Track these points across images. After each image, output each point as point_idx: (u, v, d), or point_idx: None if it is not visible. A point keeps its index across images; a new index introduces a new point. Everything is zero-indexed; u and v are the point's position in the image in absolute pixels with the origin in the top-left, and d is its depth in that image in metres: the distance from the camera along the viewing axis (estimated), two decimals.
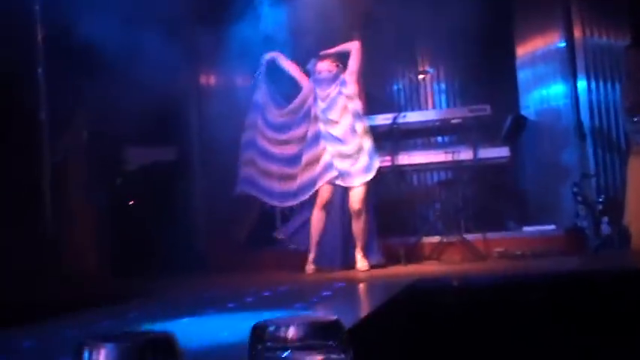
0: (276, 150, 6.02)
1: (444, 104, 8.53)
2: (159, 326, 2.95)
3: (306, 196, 5.89)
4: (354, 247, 5.76)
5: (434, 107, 8.47)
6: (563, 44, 7.29)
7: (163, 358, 1.27)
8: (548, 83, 7.58)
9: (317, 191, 5.83)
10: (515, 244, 6.28)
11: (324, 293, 3.93)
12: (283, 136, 6.02)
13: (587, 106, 6.96)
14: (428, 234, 6.49)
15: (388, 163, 6.52)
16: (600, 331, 3.88)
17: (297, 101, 6.01)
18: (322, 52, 5.94)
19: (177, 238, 6.12)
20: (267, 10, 6.17)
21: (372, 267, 5.71)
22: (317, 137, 5.85)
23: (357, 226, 5.71)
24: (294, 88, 6.15)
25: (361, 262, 5.69)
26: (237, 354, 1.96)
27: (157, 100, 6.22)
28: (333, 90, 5.80)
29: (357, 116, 5.75)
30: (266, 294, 4.10)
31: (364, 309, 3.20)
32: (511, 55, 8.04)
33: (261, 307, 3.52)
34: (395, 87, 8.61)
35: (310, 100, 5.92)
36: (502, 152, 6.95)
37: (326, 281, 4.95)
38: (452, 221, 6.56)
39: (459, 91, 8.55)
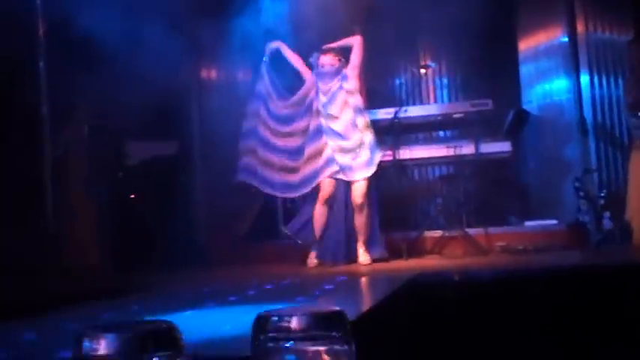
0: (278, 141, 6.01)
1: (445, 99, 8.52)
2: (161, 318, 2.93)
3: (308, 189, 5.89)
4: (356, 242, 5.76)
5: (436, 101, 8.45)
6: (565, 39, 7.28)
7: (165, 348, 1.26)
8: (550, 78, 7.57)
9: (319, 186, 5.83)
10: (517, 238, 6.27)
11: (326, 287, 3.93)
12: (286, 129, 6.01)
13: (590, 101, 6.95)
14: (430, 228, 6.49)
15: (390, 158, 6.51)
16: (602, 326, 3.88)
17: (299, 94, 6.00)
18: (325, 46, 5.93)
19: (179, 232, 6.12)
20: (268, 3, 6.15)
21: (375, 261, 5.71)
22: (319, 131, 5.85)
23: (360, 220, 5.70)
24: (297, 78, 6.14)
25: (363, 256, 5.69)
26: (239, 346, 1.95)
27: (158, 94, 6.20)
28: (334, 84, 5.80)
29: (357, 111, 5.75)
30: (268, 287, 4.10)
31: (366, 303, 3.20)
32: (513, 50, 8.03)
33: (262, 300, 3.52)
34: (397, 81, 8.60)
35: (312, 94, 5.92)
36: (504, 147, 6.93)
37: (328, 275, 4.94)
38: (454, 216, 6.55)
39: (460, 85, 8.54)
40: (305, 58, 6.04)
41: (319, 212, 5.83)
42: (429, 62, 8.37)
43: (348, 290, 4.16)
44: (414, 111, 7.26)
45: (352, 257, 5.75)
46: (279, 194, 6.17)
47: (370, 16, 7.24)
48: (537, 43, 7.78)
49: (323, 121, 5.83)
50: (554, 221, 6.62)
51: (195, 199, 6.92)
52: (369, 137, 5.72)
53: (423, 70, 8.27)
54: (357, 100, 5.77)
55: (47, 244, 4.98)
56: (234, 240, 6.73)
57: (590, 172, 6.65)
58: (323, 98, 5.84)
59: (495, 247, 6.21)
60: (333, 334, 1.31)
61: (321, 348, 1.29)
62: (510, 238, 6.31)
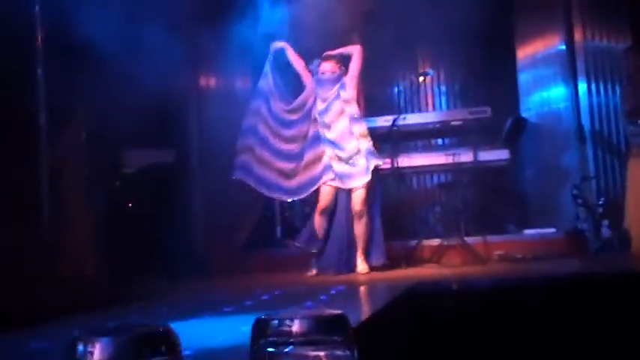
0: (277, 144, 5.98)
1: (444, 106, 8.51)
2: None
3: (306, 194, 5.89)
4: (356, 250, 5.74)
5: (434, 109, 8.45)
6: (563, 47, 7.28)
7: (162, 353, 1.22)
8: (548, 86, 7.57)
9: (318, 196, 5.82)
10: (516, 247, 6.26)
11: (322, 297, 3.91)
12: (287, 133, 5.98)
13: (588, 108, 6.95)
14: (428, 237, 6.46)
15: (388, 166, 6.50)
16: (601, 334, 3.87)
17: (299, 100, 5.98)
18: (325, 53, 5.92)
19: (176, 241, 6.10)
20: (267, 10, 6.14)
21: (373, 269, 5.69)
22: (317, 138, 5.85)
23: (359, 228, 5.69)
24: (299, 80, 6.11)
25: (362, 265, 5.67)
26: (238, 355, 1.94)
27: (156, 103, 6.20)
28: (333, 92, 5.79)
29: (354, 120, 5.74)
30: (264, 298, 4.07)
31: (364, 312, 3.18)
32: (512, 58, 8.03)
33: (258, 310, 3.50)
34: (395, 89, 8.59)
35: (311, 100, 5.91)
36: (502, 155, 6.93)
37: (326, 284, 4.93)
38: (452, 224, 6.53)
39: (459, 93, 8.53)
40: (306, 64, 6.03)
41: (318, 222, 5.82)
42: (427, 70, 8.34)
43: (346, 300, 4.14)
44: (412, 119, 7.26)
45: (354, 266, 5.73)
46: (275, 196, 6.14)
47: (369, 22, 7.25)
48: (535, 50, 7.78)
49: (320, 129, 5.83)
50: (553, 229, 6.61)
51: (193, 207, 6.90)
52: (365, 145, 5.71)
53: (421, 78, 8.23)
54: (354, 109, 5.76)
55: (43, 252, 4.96)
56: (232, 249, 6.71)
57: (589, 180, 6.64)
58: (320, 105, 5.83)
59: (494, 255, 6.19)
60: (335, 338, 1.28)
61: (323, 353, 1.25)
62: (509, 246, 6.29)
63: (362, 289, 4.83)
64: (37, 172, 5.19)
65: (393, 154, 6.51)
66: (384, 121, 6.79)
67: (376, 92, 8.00)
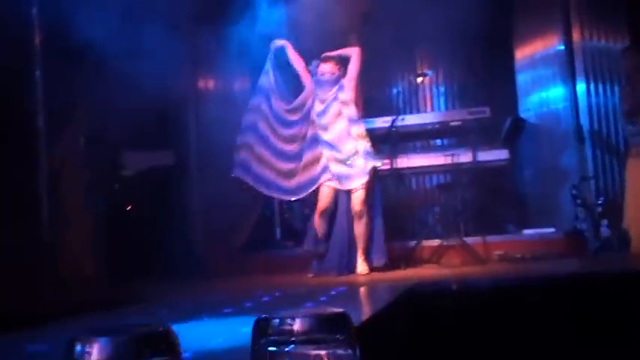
0: (277, 143, 5.96)
1: (443, 107, 8.51)
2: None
3: (304, 194, 5.89)
4: (357, 251, 5.74)
5: (433, 110, 8.45)
6: (562, 47, 7.28)
7: (161, 353, 1.20)
8: (547, 86, 7.57)
9: (317, 197, 5.82)
10: (515, 247, 6.25)
11: (322, 298, 3.91)
12: (286, 133, 5.97)
13: (587, 109, 6.95)
14: (427, 237, 6.46)
15: (387, 167, 6.50)
16: (600, 334, 3.87)
17: (299, 100, 5.96)
18: (324, 54, 5.92)
19: (175, 243, 6.09)
20: (265, 11, 6.13)
21: (373, 270, 5.68)
22: (315, 139, 5.84)
23: (359, 229, 5.68)
24: (300, 79, 6.09)
25: (362, 266, 5.67)
26: (239, 356, 1.93)
27: (155, 104, 6.20)
28: (331, 94, 5.79)
29: (352, 121, 5.73)
30: (264, 299, 4.07)
31: (364, 313, 3.18)
32: (510, 58, 8.04)
33: (258, 311, 3.48)
34: (394, 89, 8.59)
35: (310, 101, 5.90)
36: (501, 155, 6.94)
37: (326, 285, 4.92)
38: (451, 224, 6.53)
39: (458, 93, 8.54)
40: (305, 64, 6.01)
41: (318, 224, 5.81)
42: (426, 70, 8.36)
43: (346, 301, 4.13)
44: (411, 119, 7.26)
45: (355, 267, 5.72)
46: (274, 195, 6.14)
47: (367, 23, 7.25)
48: (534, 51, 7.79)
49: (317, 130, 5.83)
50: (552, 229, 6.60)
51: (192, 209, 6.90)
52: (363, 145, 5.70)
53: (420, 79, 8.25)
54: (352, 110, 5.75)
55: (43, 254, 4.96)
56: (231, 251, 6.70)
57: (588, 180, 6.64)
58: (318, 107, 5.83)
59: (493, 255, 6.19)
60: (337, 337, 1.26)
61: (324, 352, 1.24)
62: (508, 246, 6.29)
63: (362, 290, 4.83)
64: (36, 174, 5.20)
65: (392, 155, 6.51)
66: (382, 122, 6.79)
67: (375, 93, 8.00)
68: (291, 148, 5.94)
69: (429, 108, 8.52)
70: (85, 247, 5.58)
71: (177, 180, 6.75)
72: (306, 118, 5.91)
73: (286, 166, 5.90)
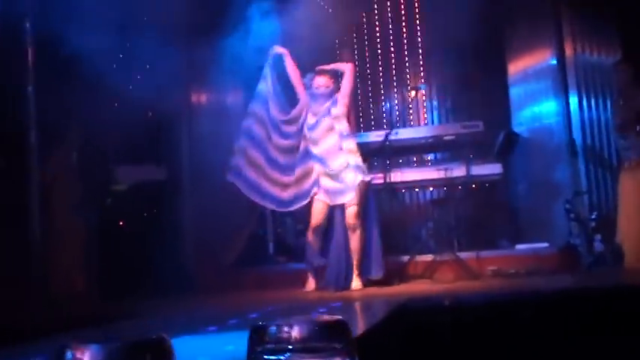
0: (273, 152, 5.93)
1: (436, 121, 8.52)
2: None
3: (296, 207, 5.89)
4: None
5: (426, 124, 8.45)
6: (554, 61, 7.31)
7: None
8: (540, 100, 7.59)
9: (310, 213, 5.80)
10: (509, 262, 6.24)
11: (313, 315, 3.88)
12: (283, 143, 5.94)
13: (579, 123, 6.97)
14: (421, 252, 6.44)
15: (381, 181, 6.49)
16: (594, 349, 3.85)
17: (295, 112, 5.94)
18: (319, 68, 5.92)
19: (167, 258, 6.06)
20: (258, 25, 6.13)
21: (369, 284, 5.66)
22: (307, 153, 5.84)
23: (354, 242, 5.66)
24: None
25: (355, 282, 5.65)
26: None
27: (148, 119, 6.20)
28: (325, 108, 5.79)
29: (343, 136, 5.72)
30: (252, 316, 4.03)
31: (357, 329, 3.15)
32: (503, 72, 8.06)
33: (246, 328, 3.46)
34: (387, 103, 8.60)
35: (305, 114, 5.88)
36: (495, 169, 6.94)
37: (318, 301, 4.90)
38: (445, 239, 6.52)
39: (451, 107, 8.55)
40: (299, 76, 5.99)
41: (312, 240, 5.80)
42: (419, 84, 8.38)
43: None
44: (404, 133, 7.25)
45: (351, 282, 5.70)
46: (268, 206, 6.09)
47: (360, 38, 7.27)
48: (526, 65, 7.81)
49: (308, 144, 5.82)
50: (546, 244, 6.59)
51: (184, 224, 6.86)
52: (353, 160, 5.68)
53: (413, 93, 8.27)
54: (344, 125, 5.74)
55: (34, 269, 4.93)
56: (223, 266, 6.66)
57: (581, 195, 6.64)
58: (311, 119, 5.82)
59: (486, 271, 6.16)
60: (335, 345, 1.23)
61: None
62: (501, 261, 6.27)
63: (355, 305, 4.80)
64: (27, 189, 5.17)
65: (386, 170, 6.50)
66: (376, 136, 6.79)
67: (368, 107, 8.02)
68: (285, 159, 5.92)
69: (422, 122, 8.52)
70: (77, 262, 5.54)
71: (169, 195, 6.72)
72: (301, 131, 5.91)
73: (280, 177, 5.89)
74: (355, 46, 7.86)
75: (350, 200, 5.64)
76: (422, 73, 8.56)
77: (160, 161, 6.77)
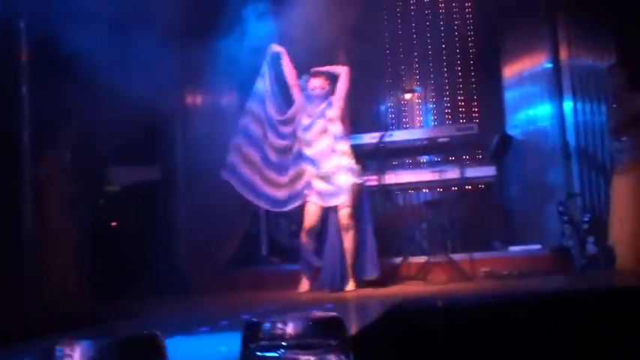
0: (267, 150, 5.92)
1: (431, 123, 8.54)
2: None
3: (290, 207, 5.90)
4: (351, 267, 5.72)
5: (421, 126, 8.47)
6: (549, 65, 7.34)
7: (147, 358, 1.15)
8: (534, 104, 7.61)
9: (304, 215, 5.81)
10: (502, 263, 6.26)
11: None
12: (277, 143, 5.94)
13: (573, 126, 6.99)
14: (414, 254, 6.45)
15: (375, 183, 6.49)
16: (586, 350, 3.86)
17: (290, 113, 5.94)
18: (314, 69, 5.92)
19: (160, 259, 6.05)
20: (253, 26, 6.13)
21: (362, 285, 5.66)
22: (300, 154, 5.84)
23: (347, 242, 5.67)
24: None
25: (349, 283, 5.65)
26: None
27: (143, 120, 6.18)
28: (320, 109, 5.79)
29: (337, 138, 5.72)
30: (244, 317, 4.03)
31: (349, 330, 3.15)
32: (498, 75, 8.08)
33: (236, 329, 3.46)
34: (382, 105, 8.61)
35: (300, 115, 5.88)
36: (489, 171, 6.96)
37: (310, 302, 4.90)
38: (438, 241, 6.53)
39: (446, 110, 8.56)
40: (296, 77, 5.99)
41: (306, 242, 5.80)
42: (414, 87, 8.39)
43: None
44: (399, 135, 7.27)
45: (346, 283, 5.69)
46: (262, 205, 6.07)
47: (356, 39, 7.27)
48: (521, 69, 7.83)
49: (301, 145, 5.82)
50: (539, 246, 6.61)
51: (178, 225, 6.85)
52: (346, 162, 5.68)
53: (408, 95, 8.29)
54: (338, 128, 5.75)
55: (26, 270, 4.92)
56: (216, 267, 6.66)
57: (574, 197, 6.66)
58: (305, 120, 5.82)
59: (480, 272, 6.18)
60: (331, 342, 1.22)
61: (313, 358, 1.20)
62: (494, 263, 6.29)
63: (348, 306, 4.80)
64: (20, 189, 5.15)
65: (380, 171, 6.51)
66: (371, 138, 6.80)
67: (363, 109, 8.02)
68: (280, 159, 5.92)
69: (417, 124, 8.53)
70: (69, 262, 5.53)
71: (163, 195, 6.71)
72: (296, 132, 5.91)
73: (274, 176, 5.89)
74: (350, 48, 7.85)
75: (343, 202, 5.65)
76: (417, 76, 8.57)
77: (155, 162, 6.77)
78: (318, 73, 5.89)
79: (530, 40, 7.62)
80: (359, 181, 5.70)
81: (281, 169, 5.90)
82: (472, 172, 6.93)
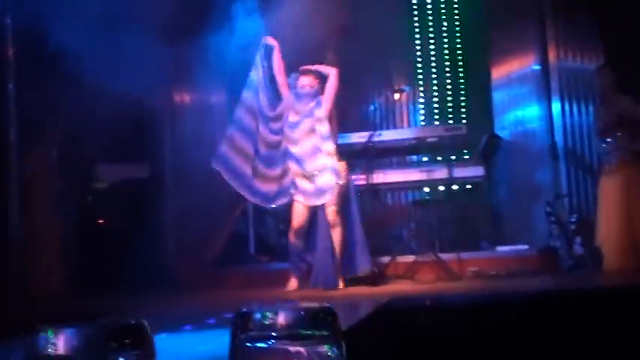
0: (259, 143, 5.88)
1: (419, 123, 8.54)
2: None
3: (279, 203, 5.88)
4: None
5: (410, 126, 8.47)
6: (538, 67, 7.36)
7: (132, 347, 1.12)
8: (523, 105, 7.64)
9: (291, 214, 5.79)
10: (489, 263, 6.27)
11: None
12: (269, 138, 5.91)
13: (561, 127, 7.02)
14: (402, 253, 6.45)
15: (363, 182, 6.49)
16: (573, 350, 3.87)
17: (278, 110, 5.91)
18: (303, 67, 5.89)
19: (147, 257, 6.02)
20: (242, 25, 6.11)
21: (350, 283, 5.66)
22: (286, 152, 5.82)
23: (335, 238, 5.66)
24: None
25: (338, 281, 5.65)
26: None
27: (131, 117, 6.15)
28: (308, 108, 5.76)
29: (324, 138, 5.69)
30: (227, 316, 4.02)
31: None
32: (487, 76, 8.10)
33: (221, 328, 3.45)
34: (371, 105, 8.60)
35: (287, 113, 5.85)
36: (477, 172, 6.97)
37: (299, 300, 4.87)
38: (426, 241, 6.53)
39: (434, 110, 8.57)
40: (284, 73, 5.97)
41: (294, 242, 5.79)
42: (403, 86, 8.39)
43: None
44: (388, 135, 7.27)
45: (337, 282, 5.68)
46: (252, 200, 6.00)
47: (345, 38, 7.27)
48: (510, 70, 7.86)
49: (287, 143, 5.80)
50: (526, 246, 6.64)
51: (166, 223, 6.82)
52: (331, 162, 5.66)
53: (397, 95, 8.29)
54: (325, 127, 5.71)
55: (12, 267, 4.89)
56: (204, 265, 6.63)
57: (562, 198, 6.69)
58: (293, 118, 5.78)
59: (468, 272, 6.19)
60: (322, 332, 1.20)
61: (303, 348, 1.18)
62: (482, 263, 6.30)
63: (335, 305, 4.77)
64: (7, 186, 5.12)
65: (369, 171, 6.51)
66: (359, 138, 6.80)
67: (352, 108, 8.01)
68: (269, 153, 5.89)
69: (405, 124, 8.53)
70: (56, 259, 5.50)
71: (151, 193, 6.67)
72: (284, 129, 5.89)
73: (264, 170, 5.86)
74: (339, 47, 7.84)
75: (328, 202, 5.64)
76: (405, 76, 8.57)
77: (143, 159, 6.74)
78: (308, 72, 5.86)
79: (518, 42, 7.65)
80: (341, 182, 5.68)
81: (270, 163, 5.87)
82: (460, 172, 6.94)
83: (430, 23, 8.55)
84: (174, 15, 6.04)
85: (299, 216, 5.75)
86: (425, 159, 8.06)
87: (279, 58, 5.88)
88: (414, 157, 8.15)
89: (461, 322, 4.07)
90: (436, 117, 8.47)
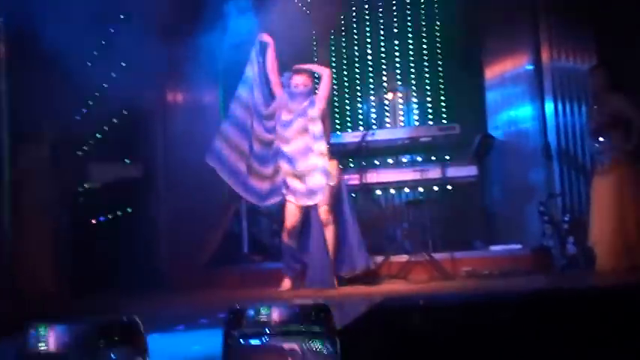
0: (253, 140, 5.86)
1: (413, 123, 8.54)
2: None
3: (272, 201, 5.88)
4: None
5: (403, 125, 8.47)
6: (531, 67, 7.37)
7: (123, 344, 1.11)
8: (516, 105, 7.65)
9: (284, 214, 5.78)
10: (483, 263, 6.28)
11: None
12: (263, 136, 5.89)
13: (555, 127, 7.02)
14: (396, 253, 6.45)
15: (357, 182, 6.48)
16: (565, 349, 3.87)
17: (270, 109, 5.89)
18: (296, 66, 5.87)
19: (140, 257, 6.00)
20: (235, 24, 6.09)
21: (343, 283, 5.66)
22: (278, 150, 5.81)
23: (328, 237, 5.65)
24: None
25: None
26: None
27: (123, 117, 6.14)
28: (302, 107, 5.75)
29: (316, 138, 5.67)
30: (222, 315, 4.01)
31: None
32: (480, 76, 8.10)
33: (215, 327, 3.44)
34: (364, 104, 8.60)
35: (279, 112, 5.84)
36: (470, 171, 6.98)
37: (292, 300, 4.86)
38: (419, 240, 6.53)
39: (428, 110, 8.58)
40: (277, 72, 5.95)
41: (287, 242, 5.78)
42: (396, 86, 8.40)
43: None
44: (381, 134, 7.27)
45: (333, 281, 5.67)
46: (246, 197, 5.98)
47: (339, 38, 7.27)
48: (503, 70, 7.87)
49: (279, 142, 5.78)
50: (519, 246, 6.65)
51: (158, 222, 6.79)
52: (322, 163, 5.64)
53: (391, 94, 8.30)
54: (318, 127, 5.69)
55: (3, 267, 4.87)
56: (197, 265, 6.62)
57: (555, 197, 6.70)
58: (286, 116, 5.76)
59: (461, 271, 6.20)
60: (316, 329, 1.19)
61: (296, 345, 1.16)
62: (476, 262, 6.31)
63: (329, 304, 4.77)
64: None
65: (362, 170, 6.50)
66: (352, 137, 6.79)
67: (345, 108, 8.01)
68: (262, 150, 5.88)
69: (399, 123, 8.54)
70: (47, 259, 5.47)
71: (143, 193, 6.65)
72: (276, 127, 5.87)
73: (258, 167, 5.84)
74: (332, 47, 7.84)
75: (319, 201, 5.64)
76: (399, 75, 8.58)
77: (135, 159, 6.71)
78: (301, 71, 5.85)
79: (512, 42, 7.66)
80: (332, 183, 5.67)
81: (264, 161, 5.86)
82: (454, 172, 6.95)
83: (423, 22, 8.58)
84: (166, 14, 6.03)
85: (292, 216, 5.74)
86: (419, 159, 8.07)
87: (273, 57, 5.86)
88: (408, 157, 8.15)
89: (454, 321, 4.06)
90: (430, 117, 8.48)
